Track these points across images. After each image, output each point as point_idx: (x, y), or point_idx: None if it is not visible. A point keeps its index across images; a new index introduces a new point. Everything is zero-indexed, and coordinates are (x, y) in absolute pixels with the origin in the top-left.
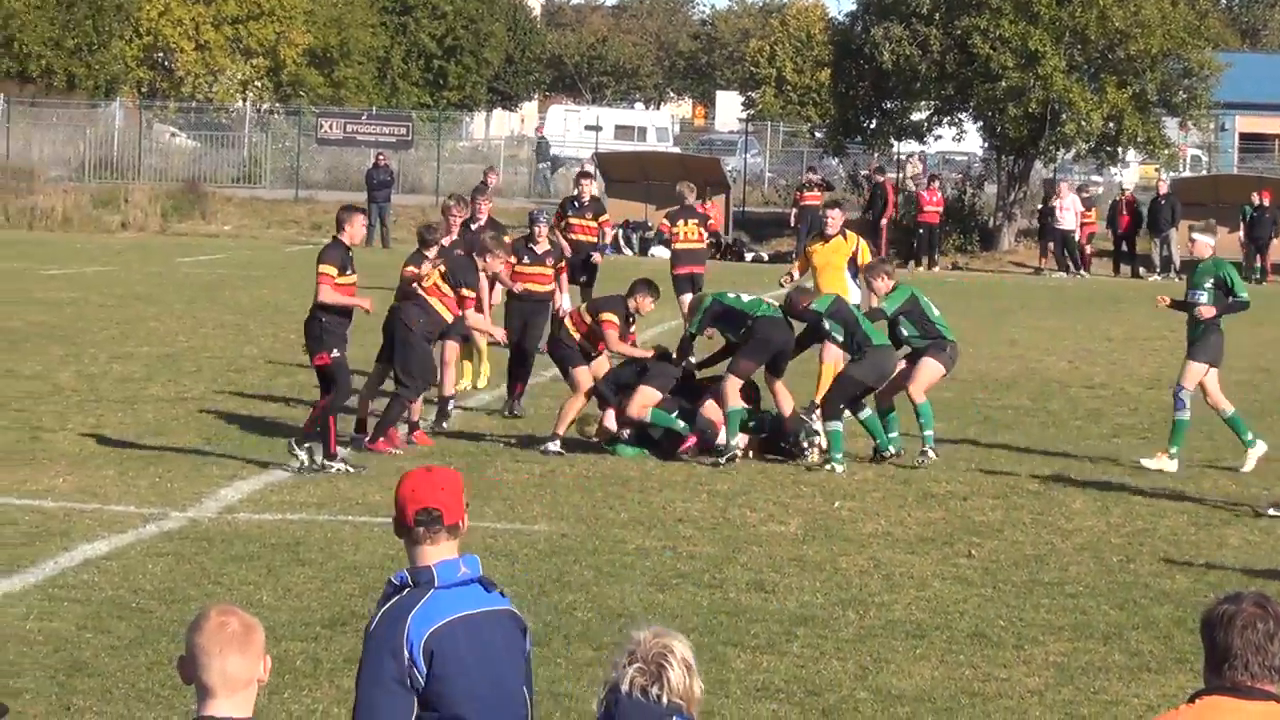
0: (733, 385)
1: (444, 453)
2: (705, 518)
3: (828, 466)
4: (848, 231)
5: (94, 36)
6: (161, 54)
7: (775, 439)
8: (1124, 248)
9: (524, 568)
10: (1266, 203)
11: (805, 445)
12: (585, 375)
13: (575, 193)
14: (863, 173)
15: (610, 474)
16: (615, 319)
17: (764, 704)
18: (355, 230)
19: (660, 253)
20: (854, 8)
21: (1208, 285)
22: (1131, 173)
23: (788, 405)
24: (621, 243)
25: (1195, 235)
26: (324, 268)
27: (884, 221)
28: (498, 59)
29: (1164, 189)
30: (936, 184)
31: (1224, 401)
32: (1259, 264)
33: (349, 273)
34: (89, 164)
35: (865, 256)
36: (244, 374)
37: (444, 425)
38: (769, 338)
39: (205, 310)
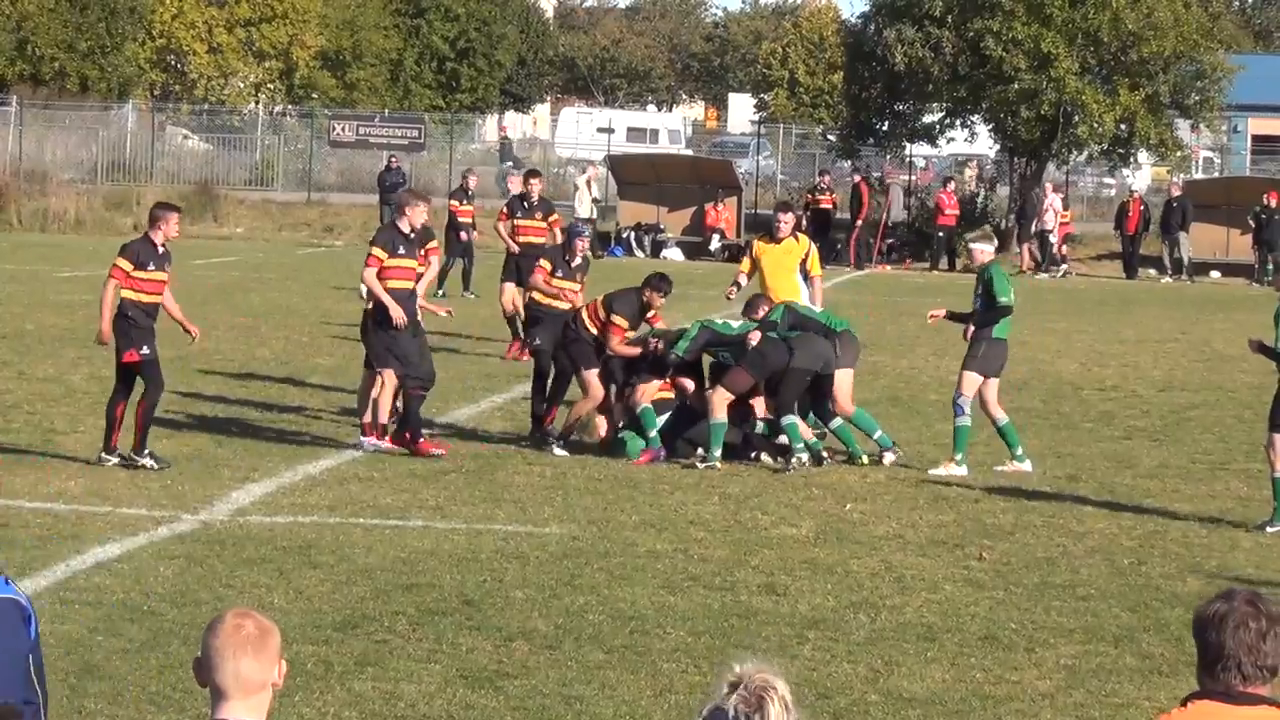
0: (720, 397)
1: (453, 455)
2: (717, 520)
3: (793, 460)
4: (799, 234)
5: (107, 39)
6: (174, 56)
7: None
8: (1132, 249)
9: (535, 570)
10: (1274, 204)
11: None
12: (596, 380)
13: (523, 191)
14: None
15: (622, 476)
16: (624, 322)
17: None
18: (170, 228)
19: (673, 255)
20: (867, 9)
21: (979, 292)
22: (1144, 175)
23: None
24: (634, 244)
25: (972, 244)
26: (120, 260)
27: (859, 223)
28: (510, 61)
29: (1176, 191)
30: (952, 185)
31: (999, 411)
32: (1270, 265)
33: (150, 268)
34: (102, 166)
35: (815, 263)
36: (256, 376)
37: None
38: (766, 356)
39: (217, 313)
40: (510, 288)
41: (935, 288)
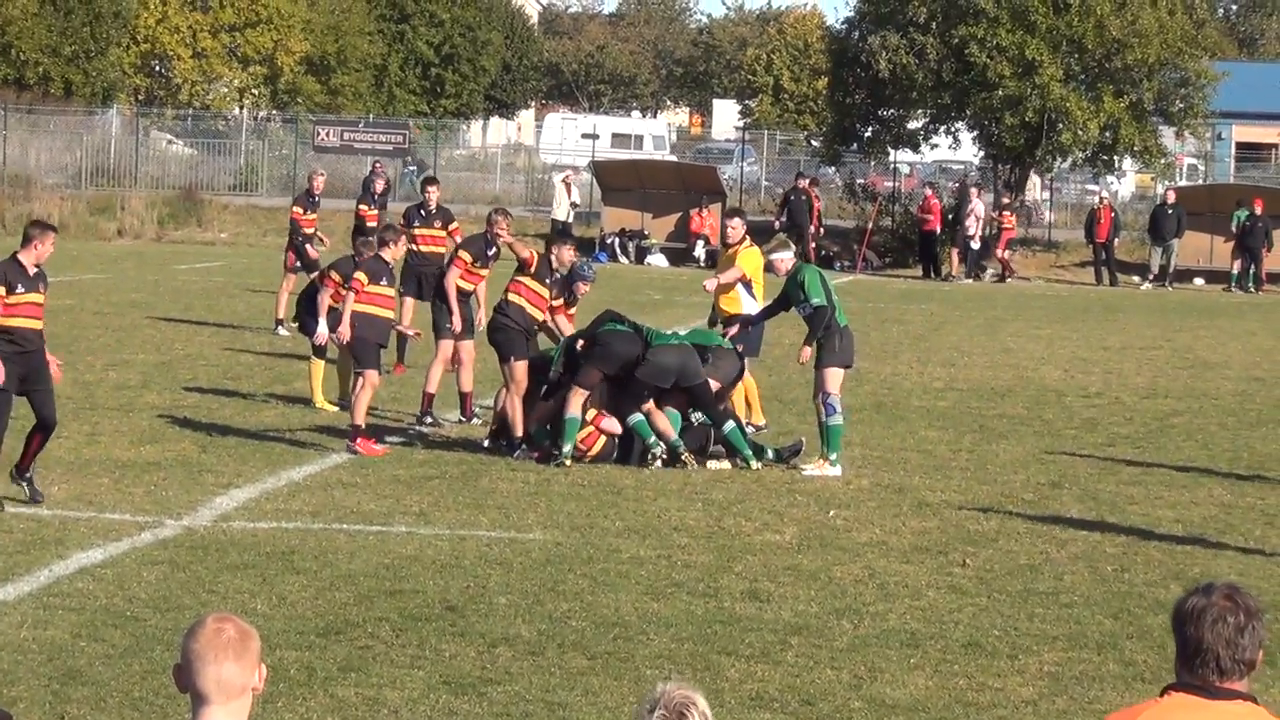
0: (574, 395)
1: (438, 462)
2: (700, 526)
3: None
4: (748, 238)
5: (91, 44)
6: (159, 61)
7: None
8: (1103, 256)
9: (519, 576)
10: (1259, 211)
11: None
12: (523, 370)
13: (421, 199)
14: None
15: (605, 482)
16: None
17: (758, 713)
18: (45, 248)
19: (657, 261)
20: (851, 16)
21: (801, 299)
22: (1128, 182)
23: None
24: (618, 250)
25: (772, 255)
26: None
27: (811, 230)
28: (495, 67)
29: (1172, 198)
30: (932, 191)
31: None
32: (1252, 272)
33: (20, 291)
34: (86, 171)
35: (757, 279)
36: (240, 382)
37: (464, 421)
38: (610, 347)
39: (201, 318)
40: (410, 304)
41: (920, 294)
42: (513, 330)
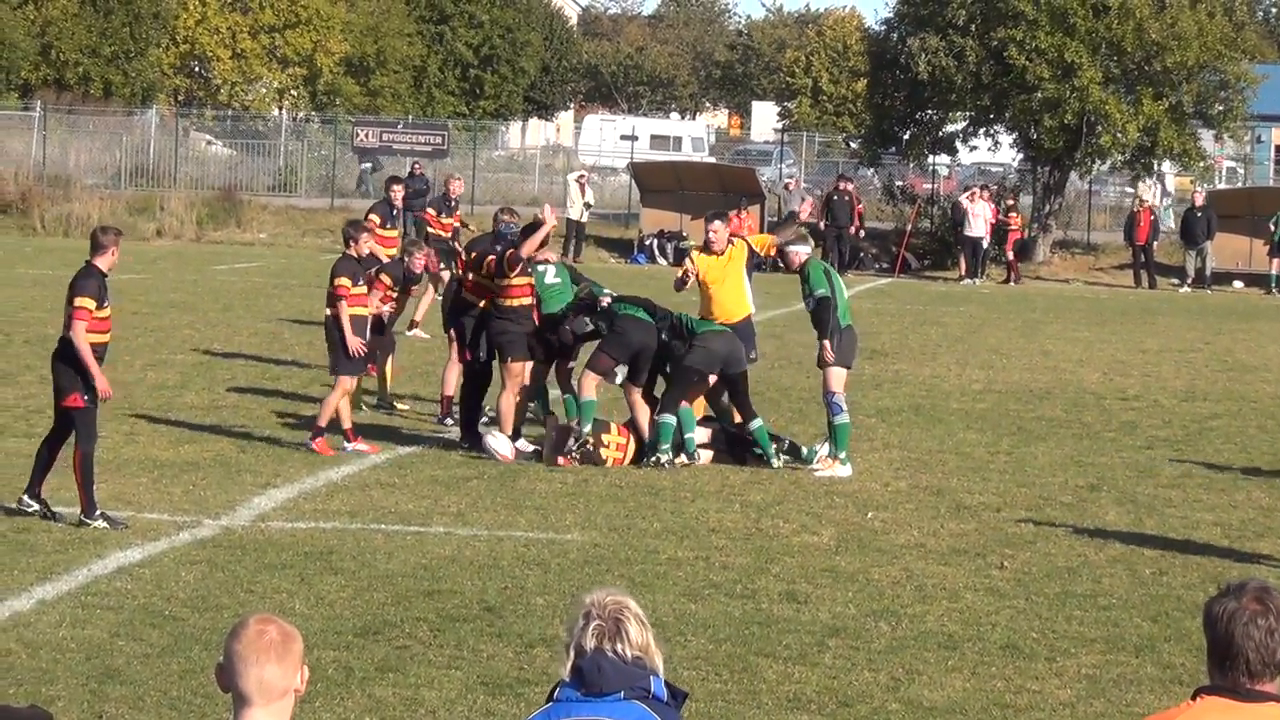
0: (587, 379)
1: (476, 463)
2: (738, 528)
3: (653, 459)
4: (734, 239)
5: (131, 44)
6: (198, 62)
7: (735, 449)
8: (1143, 259)
9: (557, 577)
10: None
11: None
12: (522, 370)
13: (444, 192)
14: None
15: (643, 484)
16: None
17: (796, 715)
18: (118, 255)
19: None
20: (890, 18)
21: (806, 291)
22: (1168, 184)
23: (643, 416)
24: (656, 251)
25: (789, 247)
26: (84, 301)
27: (851, 231)
28: (534, 68)
29: (1200, 200)
30: (986, 194)
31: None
32: None
33: (107, 305)
34: (125, 172)
35: (759, 242)
36: (278, 382)
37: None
38: (625, 335)
39: (240, 318)
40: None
41: (958, 296)
42: (513, 332)
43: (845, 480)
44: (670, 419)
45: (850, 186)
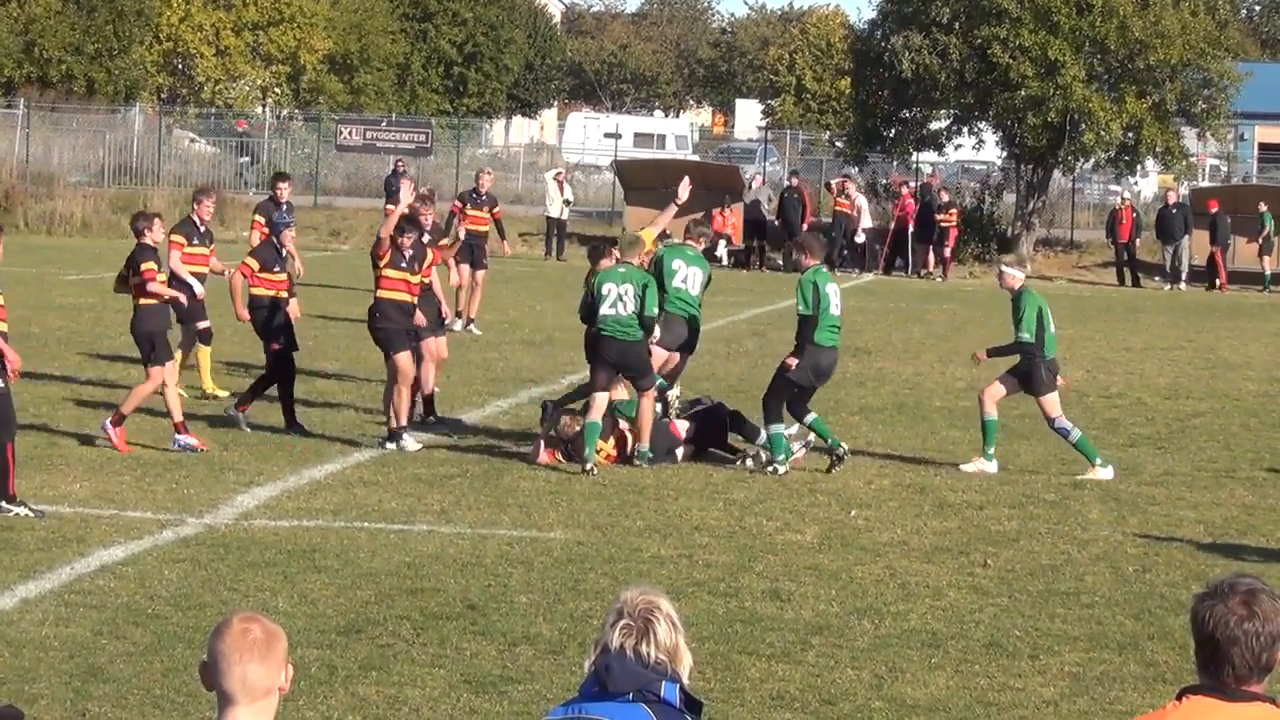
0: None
1: (459, 460)
2: (721, 526)
3: (770, 469)
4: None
5: (114, 42)
6: (181, 60)
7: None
8: (1125, 256)
9: (540, 575)
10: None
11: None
12: (407, 361)
13: (474, 187)
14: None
15: (626, 482)
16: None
17: (779, 713)
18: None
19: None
20: (874, 16)
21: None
22: (1150, 182)
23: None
24: None
25: (1005, 269)
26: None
27: (804, 226)
28: (518, 66)
29: (1173, 198)
30: (908, 190)
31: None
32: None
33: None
34: (109, 169)
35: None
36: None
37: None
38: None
39: (223, 316)
40: (465, 270)
41: (942, 294)
42: (390, 327)
43: (830, 478)
44: (780, 428)
45: (798, 183)
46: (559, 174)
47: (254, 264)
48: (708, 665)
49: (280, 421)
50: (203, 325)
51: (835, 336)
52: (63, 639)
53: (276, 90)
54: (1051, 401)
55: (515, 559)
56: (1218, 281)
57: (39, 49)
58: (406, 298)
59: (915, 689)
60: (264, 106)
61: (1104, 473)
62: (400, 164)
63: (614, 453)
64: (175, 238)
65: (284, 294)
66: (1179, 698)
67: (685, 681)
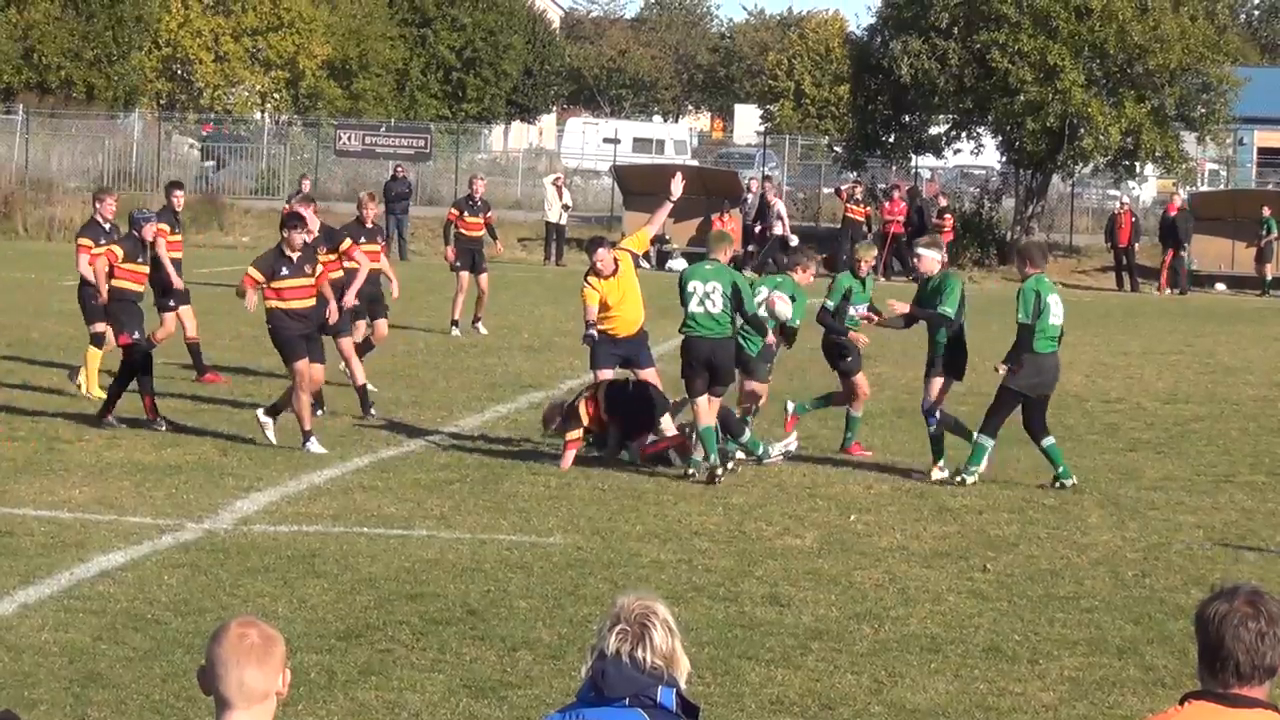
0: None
1: (459, 465)
2: (721, 531)
3: (958, 479)
4: (618, 258)
5: (113, 48)
6: (180, 65)
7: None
8: (1124, 261)
9: (540, 580)
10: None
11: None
12: (305, 368)
13: (468, 193)
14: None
15: (626, 487)
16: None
17: (778, 718)
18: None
19: (679, 265)
20: (873, 21)
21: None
22: (1150, 187)
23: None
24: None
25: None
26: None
27: (774, 233)
28: (516, 71)
29: (1174, 206)
30: (898, 193)
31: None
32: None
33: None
34: (108, 175)
35: (635, 241)
36: (260, 385)
37: (371, 414)
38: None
39: (222, 321)
40: (465, 277)
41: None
42: (286, 334)
43: (829, 483)
44: (988, 440)
45: (768, 187)
46: (558, 179)
47: (119, 252)
48: (707, 670)
49: (254, 430)
50: (98, 329)
51: (1054, 345)
52: (62, 644)
53: (275, 96)
54: (939, 386)
55: (515, 564)
56: (1158, 283)
57: (38, 55)
58: (299, 304)
59: (915, 694)
60: (263, 112)
61: (938, 474)
62: (399, 169)
63: (580, 436)
64: (83, 240)
65: (142, 287)
66: (1181, 703)
67: (682, 686)
